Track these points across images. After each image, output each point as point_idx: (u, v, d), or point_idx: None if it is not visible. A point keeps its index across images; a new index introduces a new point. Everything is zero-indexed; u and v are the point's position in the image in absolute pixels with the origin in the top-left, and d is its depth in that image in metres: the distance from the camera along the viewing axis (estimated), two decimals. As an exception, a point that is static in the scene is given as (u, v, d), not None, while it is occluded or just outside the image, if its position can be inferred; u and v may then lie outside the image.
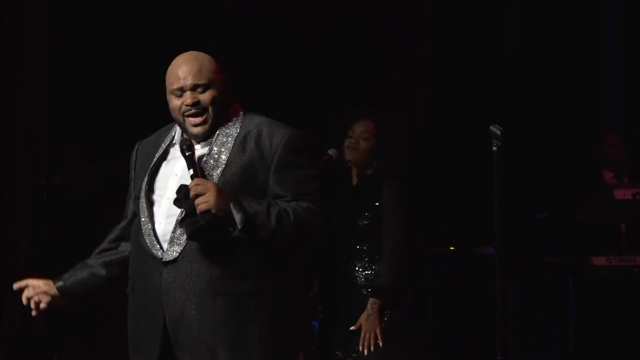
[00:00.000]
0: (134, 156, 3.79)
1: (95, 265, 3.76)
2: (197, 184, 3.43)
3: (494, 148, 4.47)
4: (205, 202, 3.41)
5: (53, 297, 3.74)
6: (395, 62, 7.68)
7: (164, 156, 3.67)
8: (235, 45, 7.24)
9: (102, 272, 3.74)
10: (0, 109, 6.28)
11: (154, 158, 3.67)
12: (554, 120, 7.87)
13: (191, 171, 3.49)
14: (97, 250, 3.81)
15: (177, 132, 3.68)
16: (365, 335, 5.02)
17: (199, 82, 3.56)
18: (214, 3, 7.41)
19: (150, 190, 3.63)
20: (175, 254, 3.51)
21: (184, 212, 3.49)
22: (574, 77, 8.05)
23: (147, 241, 3.56)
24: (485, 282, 5.98)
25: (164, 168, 3.65)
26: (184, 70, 3.56)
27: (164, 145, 3.68)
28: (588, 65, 8.11)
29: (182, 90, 3.56)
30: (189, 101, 3.55)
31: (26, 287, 3.74)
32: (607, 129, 7.51)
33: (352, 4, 7.52)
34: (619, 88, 8.09)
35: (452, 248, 6.73)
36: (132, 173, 3.77)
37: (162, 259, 3.53)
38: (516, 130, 6.55)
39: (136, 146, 3.81)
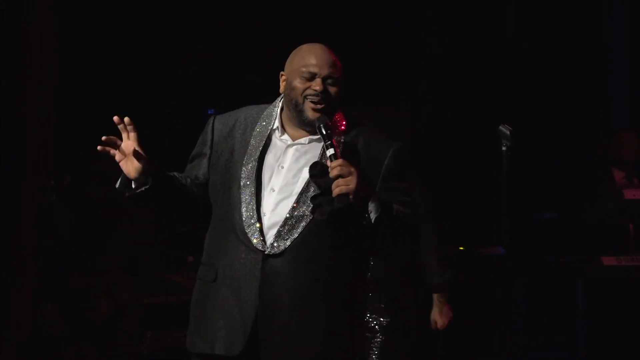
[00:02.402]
0: (211, 133, 3.67)
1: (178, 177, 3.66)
2: (341, 165, 3.37)
3: (504, 148, 4.44)
4: (346, 185, 3.35)
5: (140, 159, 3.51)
6: (396, 62, 7.66)
7: (267, 142, 3.59)
8: (235, 45, 7.22)
9: (181, 185, 3.63)
10: (6, 109, 6.25)
11: (246, 141, 3.59)
12: (555, 120, 7.87)
13: (331, 150, 3.42)
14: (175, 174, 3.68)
15: (275, 116, 3.61)
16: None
17: (333, 75, 3.53)
18: (214, 3, 7.39)
19: (258, 179, 3.55)
20: (280, 249, 3.47)
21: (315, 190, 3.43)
22: (574, 76, 8.06)
23: (248, 232, 3.49)
24: (493, 282, 5.98)
25: (267, 156, 3.57)
26: (321, 57, 3.54)
27: (262, 129, 3.60)
28: (589, 65, 8.12)
29: (313, 76, 3.53)
30: (318, 88, 3.51)
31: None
32: (622, 129, 7.49)
33: (352, 4, 7.50)
34: (624, 88, 8.10)
35: (461, 248, 6.72)
36: (207, 150, 3.66)
37: (263, 251, 3.47)
38: (518, 130, 6.54)
39: (211, 121, 3.69)
